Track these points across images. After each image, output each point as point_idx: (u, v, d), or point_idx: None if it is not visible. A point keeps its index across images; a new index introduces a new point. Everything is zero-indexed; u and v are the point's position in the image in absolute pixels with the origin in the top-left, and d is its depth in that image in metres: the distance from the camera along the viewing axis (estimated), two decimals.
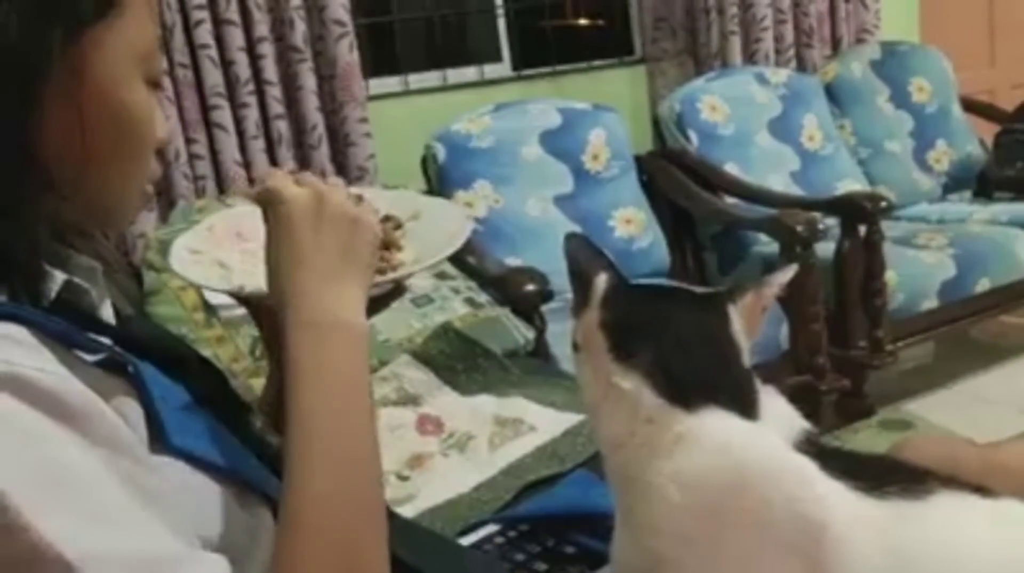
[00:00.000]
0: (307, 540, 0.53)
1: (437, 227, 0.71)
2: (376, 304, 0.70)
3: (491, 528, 0.93)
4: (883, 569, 0.52)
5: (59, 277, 0.60)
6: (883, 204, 2.16)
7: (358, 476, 0.57)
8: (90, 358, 0.55)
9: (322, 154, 2.28)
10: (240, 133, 2.21)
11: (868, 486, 0.54)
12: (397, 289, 0.72)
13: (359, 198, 0.65)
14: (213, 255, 0.70)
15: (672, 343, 0.58)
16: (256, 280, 0.65)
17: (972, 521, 0.55)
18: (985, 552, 0.53)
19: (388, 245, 0.68)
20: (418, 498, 1.14)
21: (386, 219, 0.70)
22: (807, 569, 0.52)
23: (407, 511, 1.07)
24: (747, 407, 0.58)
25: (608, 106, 2.48)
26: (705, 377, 0.58)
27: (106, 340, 0.58)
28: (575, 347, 0.62)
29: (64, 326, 0.54)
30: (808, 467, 0.55)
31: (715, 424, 0.56)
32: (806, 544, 0.53)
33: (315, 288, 0.60)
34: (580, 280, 0.62)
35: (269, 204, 0.62)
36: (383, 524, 0.57)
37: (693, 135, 2.50)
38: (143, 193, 0.62)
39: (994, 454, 0.78)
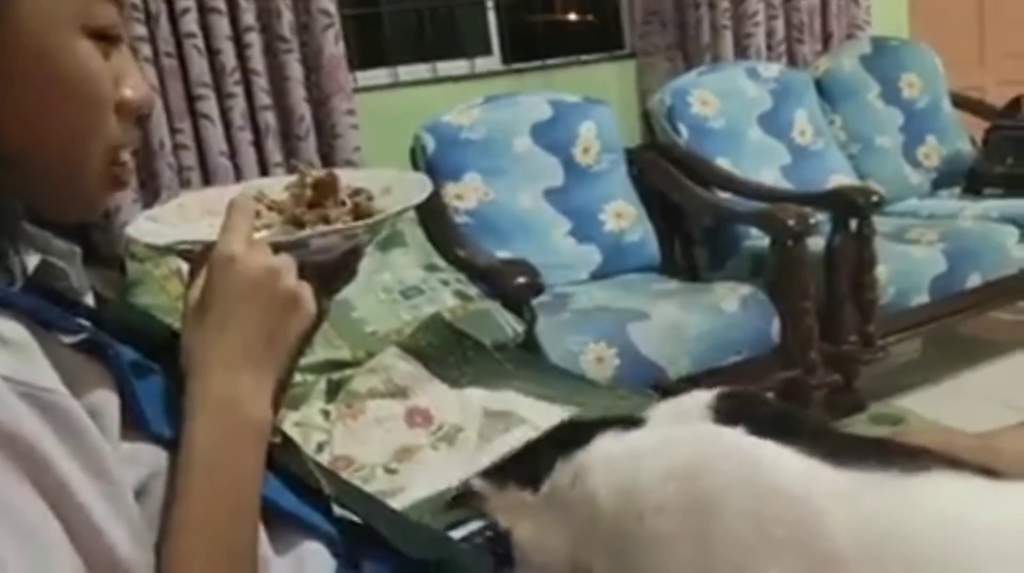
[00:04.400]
0: None
1: (408, 197, 0.70)
2: (339, 272, 0.69)
3: (480, 522, 0.91)
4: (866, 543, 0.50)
5: (34, 257, 0.58)
6: (874, 198, 2.15)
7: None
8: (67, 339, 0.53)
9: (309, 145, 2.25)
10: (226, 123, 2.18)
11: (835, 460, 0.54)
12: (352, 256, 0.69)
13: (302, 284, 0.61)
14: (172, 224, 0.67)
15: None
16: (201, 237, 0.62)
17: (969, 498, 0.53)
18: (984, 530, 0.52)
19: (360, 215, 0.67)
20: (406, 491, 1.12)
21: (357, 192, 0.69)
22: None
23: (394, 504, 1.05)
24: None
25: (599, 99, 2.46)
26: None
27: (85, 322, 0.56)
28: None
29: (40, 305, 0.52)
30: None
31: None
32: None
33: (234, 367, 0.57)
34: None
35: (216, 260, 0.58)
36: None
37: (683, 129, 2.48)
38: (112, 161, 0.58)
39: (992, 441, 0.77)
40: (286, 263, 0.59)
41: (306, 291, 0.60)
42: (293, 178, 0.72)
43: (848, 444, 0.58)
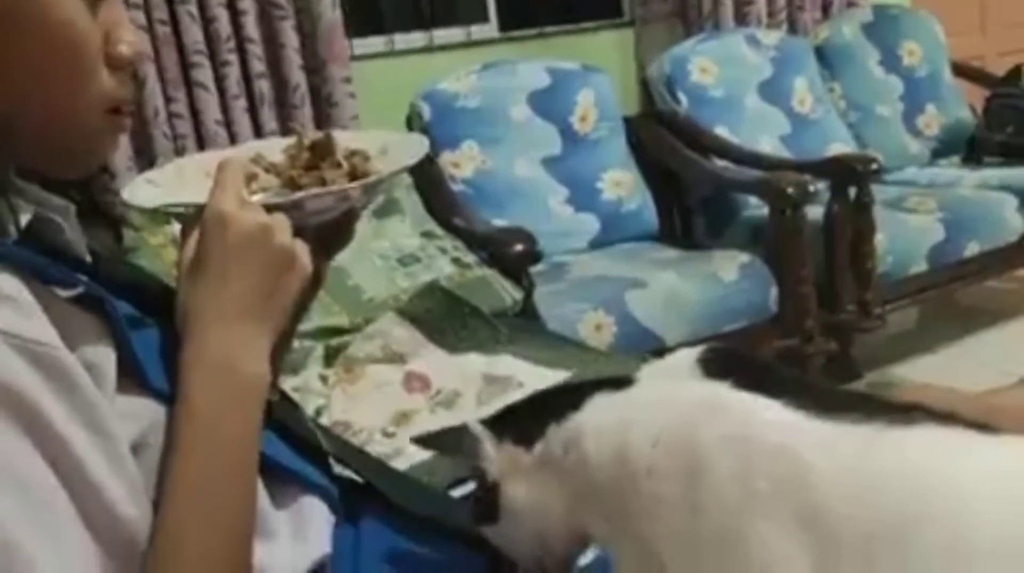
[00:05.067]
0: None
1: (402, 158, 0.69)
2: (336, 234, 0.69)
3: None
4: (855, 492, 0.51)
5: (29, 210, 0.57)
6: (873, 166, 2.14)
7: (233, 537, 0.55)
8: (64, 293, 0.53)
9: (305, 114, 2.23)
10: (221, 92, 2.16)
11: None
12: (348, 219, 0.69)
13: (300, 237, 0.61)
14: (170, 188, 0.67)
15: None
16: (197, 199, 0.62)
17: (958, 452, 0.53)
18: (972, 484, 0.52)
19: (356, 177, 0.67)
20: (404, 454, 1.12)
21: (353, 154, 0.69)
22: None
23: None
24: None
25: (597, 67, 2.44)
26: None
27: (81, 276, 0.56)
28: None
29: (36, 258, 0.52)
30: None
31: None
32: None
33: (230, 324, 0.56)
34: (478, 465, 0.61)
35: (208, 215, 0.57)
36: None
37: (683, 97, 2.46)
38: (106, 117, 0.57)
39: (993, 400, 0.77)
40: (280, 221, 0.59)
41: (302, 248, 0.60)
42: (291, 140, 0.72)
43: (833, 397, 0.58)
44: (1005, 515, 0.50)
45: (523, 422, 0.59)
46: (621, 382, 0.59)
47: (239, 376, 0.56)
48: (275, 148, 0.72)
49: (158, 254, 1.56)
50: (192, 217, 0.60)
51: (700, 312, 1.93)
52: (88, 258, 0.63)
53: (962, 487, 0.51)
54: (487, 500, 0.60)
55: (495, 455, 0.59)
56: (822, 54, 2.78)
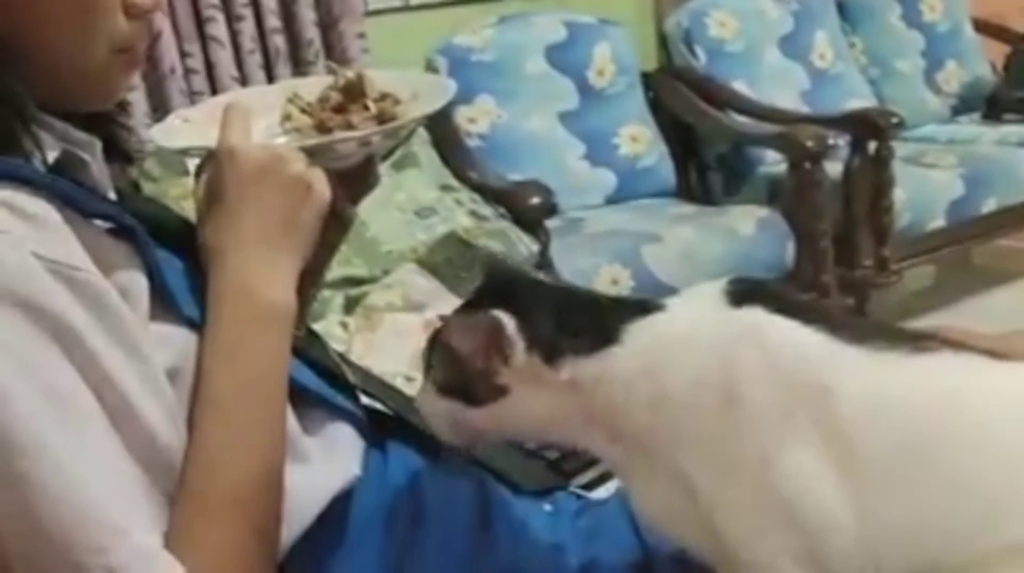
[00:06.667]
0: (207, 526, 0.52)
1: (426, 104, 0.69)
2: (360, 178, 0.69)
3: None
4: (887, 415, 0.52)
5: (55, 148, 0.58)
6: (894, 120, 2.13)
7: (263, 460, 0.55)
8: (96, 223, 0.54)
9: (319, 70, 2.22)
10: (236, 47, 2.15)
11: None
12: (369, 163, 0.69)
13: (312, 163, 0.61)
14: (202, 125, 0.67)
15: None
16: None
17: (976, 376, 0.54)
18: (990, 407, 0.53)
19: (383, 121, 0.67)
20: None
21: (384, 97, 0.69)
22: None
23: None
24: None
25: (614, 20, 2.41)
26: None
27: (111, 209, 0.57)
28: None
29: (71, 188, 0.53)
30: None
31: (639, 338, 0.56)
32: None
33: (249, 251, 0.57)
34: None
35: (218, 152, 0.58)
36: (278, 513, 0.56)
37: (700, 51, 2.44)
38: (118, 57, 0.58)
39: (1007, 339, 0.77)
40: (293, 152, 0.60)
41: (318, 176, 0.60)
42: (329, 79, 0.72)
43: (857, 325, 0.59)
44: (1021, 435, 0.51)
45: (550, 336, 0.56)
46: (650, 307, 0.58)
47: (259, 300, 0.57)
48: (312, 87, 0.72)
49: (179, 206, 1.56)
50: (205, 159, 0.62)
51: (716, 266, 1.92)
52: (112, 195, 0.64)
53: (982, 409, 0.53)
54: (481, 392, 0.57)
55: (521, 362, 0.56)
56: (843, 7, 2.74)
